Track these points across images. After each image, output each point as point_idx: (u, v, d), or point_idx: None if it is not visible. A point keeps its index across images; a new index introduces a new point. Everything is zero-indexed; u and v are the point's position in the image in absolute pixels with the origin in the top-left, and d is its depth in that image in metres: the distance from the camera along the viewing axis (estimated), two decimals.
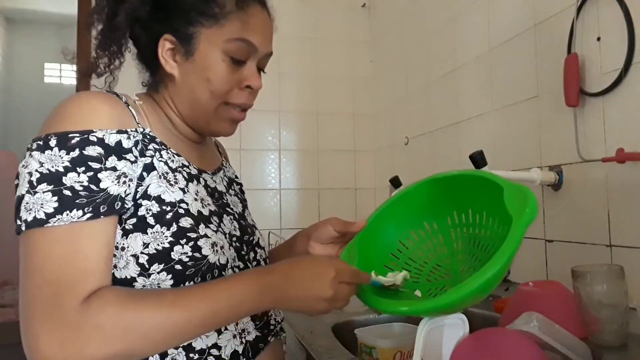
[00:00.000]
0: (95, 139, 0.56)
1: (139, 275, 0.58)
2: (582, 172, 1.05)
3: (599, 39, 1.01)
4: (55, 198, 0.52)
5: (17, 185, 0.56)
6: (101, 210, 0.54)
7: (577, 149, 1.04)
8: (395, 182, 1.68)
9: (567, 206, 1.09)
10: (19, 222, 0.52)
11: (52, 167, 0.53)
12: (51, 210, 0.51)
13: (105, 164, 0.56)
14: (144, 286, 0.58)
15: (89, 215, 0.53)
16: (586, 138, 1.04)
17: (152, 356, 0.59)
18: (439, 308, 0.55)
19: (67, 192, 0.52)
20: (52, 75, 5.17)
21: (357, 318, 1.04)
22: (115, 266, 0.58)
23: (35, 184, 0.52)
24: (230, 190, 0.81)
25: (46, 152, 0.54)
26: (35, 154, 0.54)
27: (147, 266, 0.58)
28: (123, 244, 0.58)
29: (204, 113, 0.69)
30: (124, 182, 0.57)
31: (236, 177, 0.88)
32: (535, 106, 1.20)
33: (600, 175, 1.00)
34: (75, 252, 0.52)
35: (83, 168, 0.54)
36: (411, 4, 1.92)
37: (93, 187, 0.54)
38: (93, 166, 0.55)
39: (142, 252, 0.58)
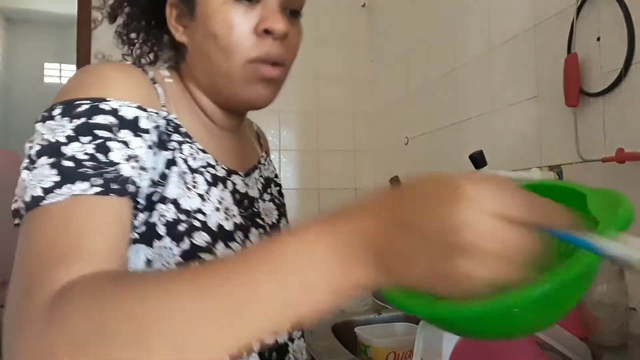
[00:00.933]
0: (107, 108, 0.45)
1: None
2: (582, 172, 1.05)
3: (598, 39, 1.01)
4: (55, 171, 0.41)
5: None
6: (112, 187, 0.42)
7: (577, 149, 1.04)
8: (395, 182, 1.68)
9: None
10: (15, 206, 0.43)
11: (53, 137, 0.43)
12: (50, 184, 0.40)
13: (117, 135, 0.45)
14: None
15: (97, 189, 0.41)
16: (586, 138, 1.04)
17: None
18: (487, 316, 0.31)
19: (68, 163, 0.42)
20: (52, 75, 5.16)
21: (357, 318, 1.04)
22: None
23: (34, 159, 0.42)
24: (265, 195, 0.67)
25: (47, 122, 0.44)
26: (38, 125, 0.45)
27: None
28: None
29: (225, 79, 0.55)
30: (133, 167, 0.45)
31: (276, 176, 0.74)
32: (535, 106, 1.20)
33: (600, 175, 1.00)
34: (69, 230, 0.39)
35: (89, 137, 0.43)
36: (411, 4, 1.92)
37: (101, 157, 0.43)
38: (100, 134, 0.44)
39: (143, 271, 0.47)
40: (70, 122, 0.43)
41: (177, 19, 0.57)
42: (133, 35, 0.63)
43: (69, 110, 0.44)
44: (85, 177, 0.41)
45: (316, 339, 0.88)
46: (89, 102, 0.44)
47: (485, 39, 1.41)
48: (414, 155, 1.89)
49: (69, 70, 5.07)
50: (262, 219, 0.61)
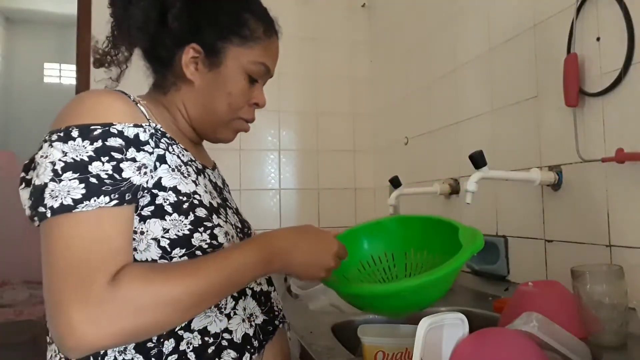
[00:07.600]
0: (116, 131, 0.58)
1: (160, 257, 0.61)
2: (582, 172, 1.05)
3: (598, 39, 1.01)
4: (83, 185, 0.54)
5: (21, 180, 0.59)
6: (126, 198, 0.57)
7: (577, 149, 1.04)
8: (395, 182, 1.68)
9: (567, 206, 1.09)
10: (42, 210, 0.53)
11: (77, 156, 0.55)
12: (79, 196, 0.53)
13: (126, 154, 0.59)
14: None
15: (115, 201, 0.55)
16: (586, 138, 1.04)
17: (168, 340, 0.61)
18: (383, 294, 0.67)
19: (94, 180, 0.55)
20: (52, 75, 5.15)
21: (356, 318, 1.04)
22: (135, 249, 0.60)
23: (60, 172, 0.54)
24: (225, 188, 0.87)
25: (69, 142, 0.56)
26: (57, 144, 0.56)
27: (168, 249, 0.61)
28: (142, 228, 0.61)
29: (216, 121, 0.75)
30: (145, 173, 0.60)
31: (224, 180, 0.94)
32: (535, 106, 1.20)
33: (600, 175, 1.00)
34: (102, 234, 0.54)
35: (107, 158, 0.56)
36: (411, 4, 1.92)
37: (116, 175, 0.56)
38: (115, 156, 0.57)
39: (162, 237, 0.61)
40: (91, 144, 0.56)
41: (192, 61, 0.73)
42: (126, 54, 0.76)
43: (86, 133, 0.57)
44: (106, 193, 0.55)
45: (316, 339, 0.88)
46: (100, 127, 0.58)
47: (485, 39, 1.41)
48: (413, 155, 1.89)
49: (69, 70, 5.07)
50: (230, 204, 0.81)
